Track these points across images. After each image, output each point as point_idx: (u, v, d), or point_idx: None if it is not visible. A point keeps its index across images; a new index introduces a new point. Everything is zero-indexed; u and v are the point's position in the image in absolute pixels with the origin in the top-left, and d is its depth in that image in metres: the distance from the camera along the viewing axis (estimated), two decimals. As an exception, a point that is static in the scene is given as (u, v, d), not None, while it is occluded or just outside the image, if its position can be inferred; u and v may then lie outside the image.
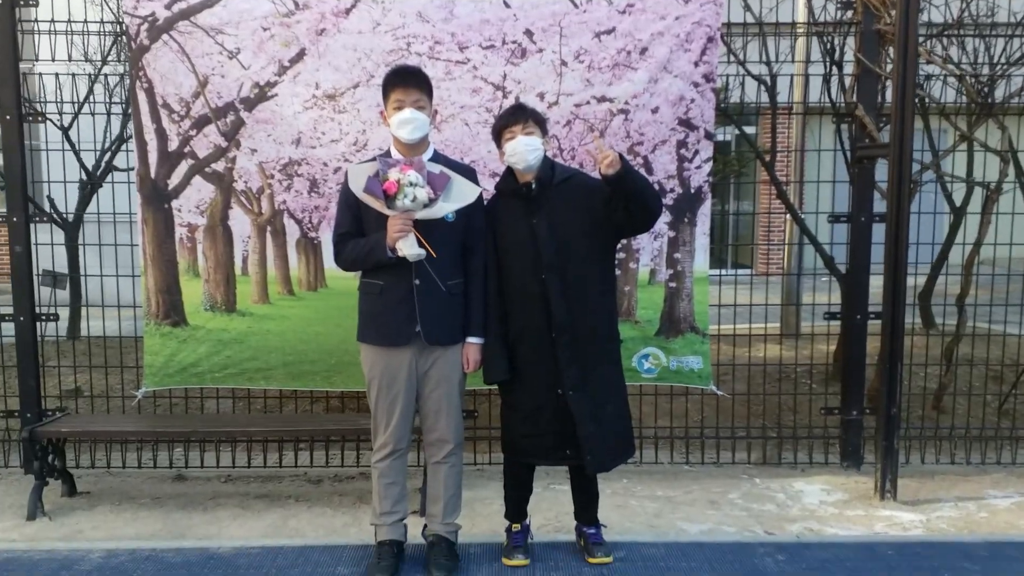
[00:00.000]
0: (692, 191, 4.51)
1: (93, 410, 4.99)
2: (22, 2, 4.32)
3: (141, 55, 4.30)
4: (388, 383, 3.42)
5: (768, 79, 5.26)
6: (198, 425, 4.25)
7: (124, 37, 4.40)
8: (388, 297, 3.38)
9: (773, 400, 5.31)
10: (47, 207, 5.81)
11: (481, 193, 3.45)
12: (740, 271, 9.19)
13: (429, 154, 3.44)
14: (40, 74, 5.03)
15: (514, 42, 4.37)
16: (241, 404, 5.03)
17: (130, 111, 4.43)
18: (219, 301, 4.44)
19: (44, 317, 4.45)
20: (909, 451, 4.93)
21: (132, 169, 4.46)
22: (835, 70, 5.20)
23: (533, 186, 3.44)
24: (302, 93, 4.33)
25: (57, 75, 4.89)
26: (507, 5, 4.37)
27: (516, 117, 3.45)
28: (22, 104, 4.38)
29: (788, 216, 6.36)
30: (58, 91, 4.87)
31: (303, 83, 4.34)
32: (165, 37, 4.29)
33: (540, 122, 3.49)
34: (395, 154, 3.41)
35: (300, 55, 4.33)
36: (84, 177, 6.06)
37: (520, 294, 3.47)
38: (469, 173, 3.51)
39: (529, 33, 4.37)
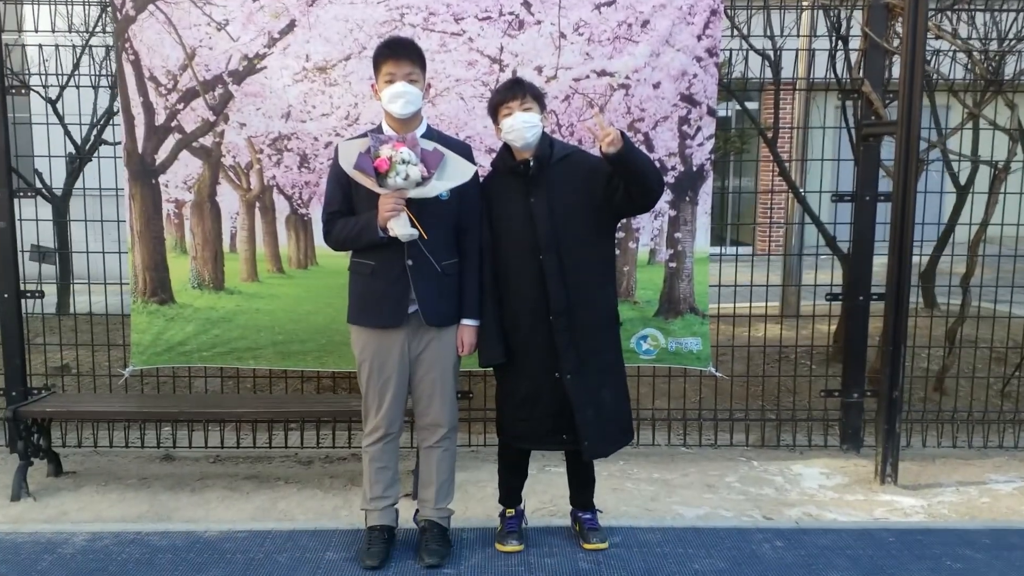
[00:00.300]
0: (694, 169, 4.39)
1: (80, 389, 4.90)
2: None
3: (127, 26, 4.16)
4: (380, 366, 3.32)
5: (772, 54, 5.13)
6: (185, 406, 4.15)
7: (110, 8, 4.25)
8: (380, 278, 3.27)
9: (772, 381, 5.22)
10: (34, 181, 5.67)
11: (477, 171, 3.33)
12: (740, 249, 9.06)
13: (422, 129, 3.32)
14: (24, 45, 4.89)
15: (511, 13, 4.23)
16: (231, 383, 4.94)
17: (116, 84, 4.28)
18: (207, 279, 4.33)
19: (29, 294, 4.35)
20: (910, 434, 4.86)
21: (120, 143, 4.34)
22: (841, 45, 5.06)
23: (531, 163, 3.32)
24: (292, 65, 4.20)
25: (41, 46, 4.75)
26: (505, -25, 4.24)
27: (513, 92, 3.32)
28: (4, 76, 4.24)
29: (789, 195, 6.25)
30: (42, 63, 4.73)
31: (293, 55, 4.20)
32: (151, 7, 4.15)
33: (538, 97, 3.37)
34: (387, 129, 3.29)
35: (290, 26, 4.19)
36: (72, 151, 5.93)
37: (517, 275, 3.36)
38: (464, 150, 3.39)
39: (527, 4, 4.23)
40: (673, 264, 4.49)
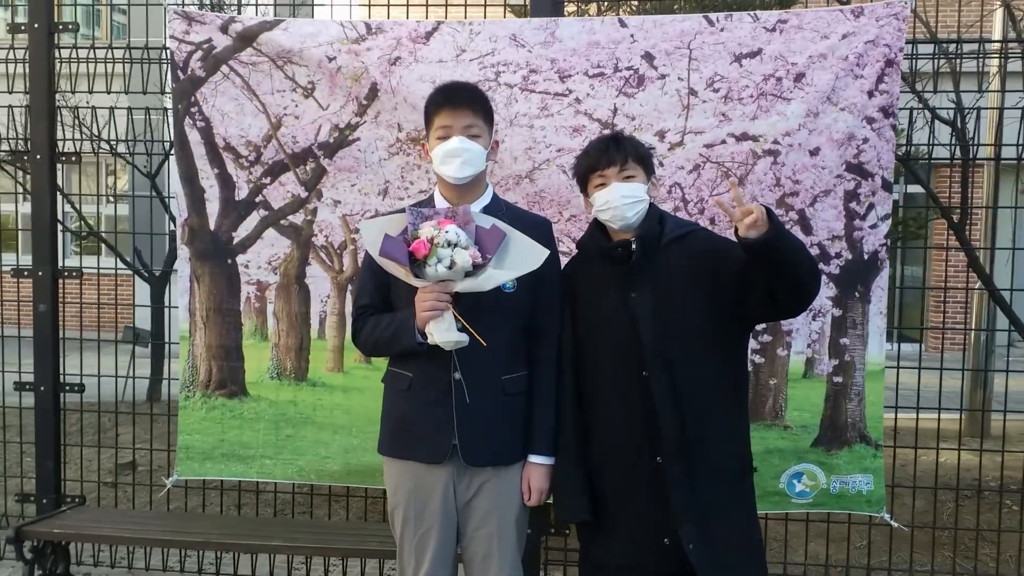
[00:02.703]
0: (865, 257, 3.23)
1: (116, 500, 4.09)
2: (61, 27, 3.63)
3: (194, 89, 3.51)
4: (416, 514, 2.34)
5: (958, 119, 3.89)
6: (215, 533, 3.26)
7: (168, 65, 3.60)
8: (418, 396, 2.32)
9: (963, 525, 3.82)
10: (134, 260, 5.10)
11: (555, 255, 2.34)
12: (913, 348, 7.48)
13: (487, 199, 2.39)
14: (130, 108, 4.30)
15: (629, 68, 3.28)
16: (287, 497, 4.03)
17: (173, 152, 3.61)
18: (289, 368, 3.55)
19: (68, 387, 3.66)
20: None
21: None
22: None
23: (633, 246, 2.30)
24: (386, 136, 3.42)
25: (148, 110, 4.12)
26: (623, 24, 3.31)
27: (609, 156, 2.33)
28: (55, 143, 3.67)
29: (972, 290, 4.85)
30: (147, 129, 4.08)
31: (385, 124, 3.42)
32: (224, 68, 3.49)
33: (643, 159, 2.37)
34: (439, 201, 2.37)
35: (373, 90, 3.41)
36: (172, 228, 5.35)
37: (611, 399, 2.33)
38: (540, 228, 2.41)
39: (649, 57, 3.27)
40: (838, 379, 3.29)
